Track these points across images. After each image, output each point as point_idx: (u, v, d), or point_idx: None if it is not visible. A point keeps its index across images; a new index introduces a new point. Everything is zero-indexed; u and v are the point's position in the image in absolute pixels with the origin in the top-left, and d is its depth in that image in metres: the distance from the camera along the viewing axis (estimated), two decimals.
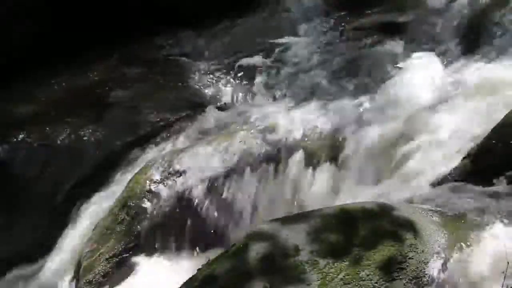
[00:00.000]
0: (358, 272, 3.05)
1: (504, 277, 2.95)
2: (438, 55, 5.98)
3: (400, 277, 3.06)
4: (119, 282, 4.63)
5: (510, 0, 6.08)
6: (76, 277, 4.85)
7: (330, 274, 3.05)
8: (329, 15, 7.34)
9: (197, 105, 6.18)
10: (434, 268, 3.16)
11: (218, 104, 6.25)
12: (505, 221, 3.42)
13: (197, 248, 4.77)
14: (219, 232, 4.81)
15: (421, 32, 6.37)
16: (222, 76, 6.60)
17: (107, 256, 4.72)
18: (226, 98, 6.32)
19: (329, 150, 5.05)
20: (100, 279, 4.65)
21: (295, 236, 3.24)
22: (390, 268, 3.07)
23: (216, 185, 4.91)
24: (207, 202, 4.87)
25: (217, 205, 4.87)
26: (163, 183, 4.94)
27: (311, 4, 7.58)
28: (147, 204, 4.85)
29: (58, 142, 5.84)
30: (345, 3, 7.41)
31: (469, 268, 3.17)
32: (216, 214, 4.85)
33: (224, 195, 4.88)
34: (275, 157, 5.04)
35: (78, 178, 5.69)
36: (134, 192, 4.94)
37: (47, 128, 5.94)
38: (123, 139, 5.88)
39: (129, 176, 5.29)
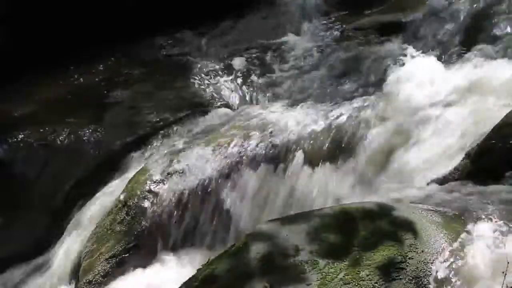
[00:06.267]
0: (358, 272, 3.05)
1: (504, 276, 2.95)
2: (438, 55, 5.98)
3: (400, 277, 3.06)
4: (119, 282, 4.63)
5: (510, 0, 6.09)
6: (76, 277, 4.85)
7: (330, 274, 3.05)
8: (329, 15, 7.34)
9: (197, 105, 6.18)
10: (434, 268, 3.16)
11: (218, 104, 6.25)
12: (505, 221, 3.42)
13: (197, 248, 4.77)
14: (219, 232, 4.81)
15: (421, 32, 6.37)
16: (222, 76, 6.60)
17: (107, 256, 4.72)
18: (226, 98, 6.32)
19: (329, 151, 5.05)
20: (100, 279, 4.65)
21: (295, 236, 3.24)
22: (390, 268, 3.07)
23: (215, 185, 4.91)
24: (206, 202, 4.87)
25: (216, 205, 4.87)
26: (163, 183, 4.94)
27: (311, 4, 7.57)
28: (147, 204, 4.85)
29: (58, 142, 5.84)
30: (345, 3, 7.41)
31: (469, 268, 3.17)
32: (215, 214, 4.85)
33: (223, 195, 4.88)
34: (275, 157, 5.03)
35: (78, 178, 5.69)
36: (134, 192, 4.94)
37: (47, 128, 5.94)
38: (123, 139, 5.88)
39: (129, 176, 5.29)
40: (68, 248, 5.14)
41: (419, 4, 6.76)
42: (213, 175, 4.92)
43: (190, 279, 3.37)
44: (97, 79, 6.70)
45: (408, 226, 3.28)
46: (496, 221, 3.42)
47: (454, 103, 4.96)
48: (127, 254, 4.71)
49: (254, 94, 6.33)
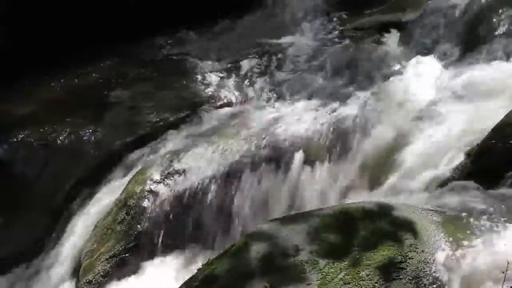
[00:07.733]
0: (358, 272, 3.05)
1: (504, 276, 2.95)
2: (438, 55, 5.98)
3: (400, 277, 3.06)
4: (119, 282, 4.63)
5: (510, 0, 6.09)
6: (76, 277, 4.86)
7: (330, 274, 3.05)
8: (329, 15, 7.35)
9: (197, 105, 6.18)
10: (434, 268, 3.16)
11: (218, 104, 6.25)
12: (505, 221, 3.42)
13: (197, 248, 4.77)
14: (219, 232, 4.81)
15: (421, 32, 6.37)
16: (222, 76, 6.60)
17: (107, 256, 4.72)
18: (226, 98, 6.32)
19: (329, 150, 5.05)
20: (100, 279, 4.65)
21: (295, 236, 3.24)
22: (390, 268, 3.07)
23: (216, 185, 4.91)
24: (207, 202, 4.87)
25: (217, 205, 4.87)
26: (163, 183, 4.94)
27: (311, 4, 7.58)
28: (147, 204, 4.86)
29: (58, 142, 5.85)
30: (345, 3, 7.41)
31: (469, 268, 3.17)
32: (216, 214, 4.85)
33: (224, 195, 4.88)
34: (275, 157, 5.04)
35: (78, 178, 5.70)
36: (134, 192, 4.94)
37: (47, 128, 5.95)
38: (123, 139, 5.89)
39: (129, 176, 5.29)
40: (68, 248, 5.15)
41: (419, 4, 6.76)
42: (213, 175, 4.93)
43: (190, 279, 3.37)
44: (97, 79, 6.71)
45: (408, 226, 3.28)
46: (496, 221, 3.42)
47: (454, 103, 4.97)
48: (127, 254, 4.71)
49: (254, 94, 6.33)
